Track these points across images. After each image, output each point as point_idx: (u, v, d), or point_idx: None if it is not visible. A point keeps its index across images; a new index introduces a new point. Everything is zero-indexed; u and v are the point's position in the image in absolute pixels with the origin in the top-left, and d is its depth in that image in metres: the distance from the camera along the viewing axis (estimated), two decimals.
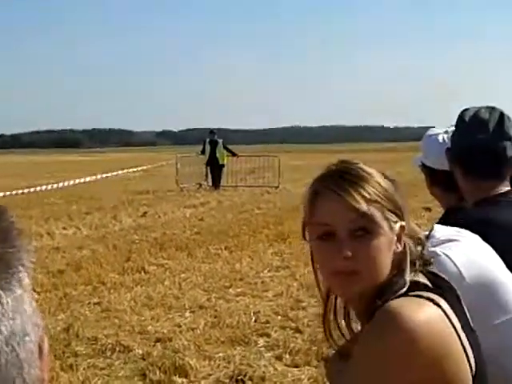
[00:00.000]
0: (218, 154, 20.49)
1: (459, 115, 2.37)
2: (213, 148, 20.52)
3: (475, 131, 2.29)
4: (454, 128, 2.41)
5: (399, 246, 1.43)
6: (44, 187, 19.20)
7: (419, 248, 1.48)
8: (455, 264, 1.71)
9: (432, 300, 1.35)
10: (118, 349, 5.49)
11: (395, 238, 1.43)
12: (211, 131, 21.71)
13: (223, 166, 20.92)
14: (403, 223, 1.44)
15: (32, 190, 19.01)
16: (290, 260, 8.91)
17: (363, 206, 1.41)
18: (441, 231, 1.88)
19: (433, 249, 1.77)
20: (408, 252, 1.44)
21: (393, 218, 1.43)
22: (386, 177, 1.48)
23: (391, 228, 1.42)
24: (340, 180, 1.42)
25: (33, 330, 0.50)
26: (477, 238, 1.88)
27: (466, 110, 2.37)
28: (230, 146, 22.13)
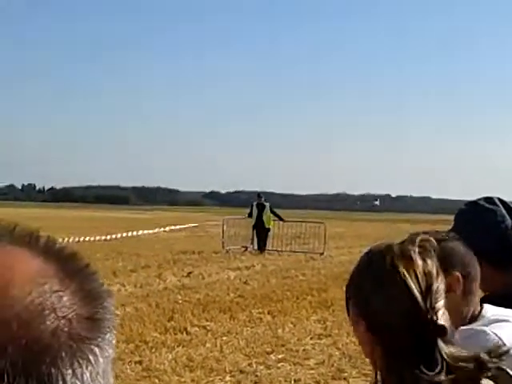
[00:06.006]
0: (264, 218, 20.56)
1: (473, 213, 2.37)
2: (260, 211, 20.62)
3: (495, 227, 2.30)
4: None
5: None
6: (90, 238, 19.29)
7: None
8: (504, 344, 1.71)
9: None
10: None
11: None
12: (258, 194, 21.87)
13: (269, 229, 20.95)
14: None
15: (77, 239, 19.25)
16: (333, 328, 8.82)
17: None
18: (491, 311, 1.89)
19: (482, 328, 1.77)
20: None
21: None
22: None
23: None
24: None
25: None
26: None
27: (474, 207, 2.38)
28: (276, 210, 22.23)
